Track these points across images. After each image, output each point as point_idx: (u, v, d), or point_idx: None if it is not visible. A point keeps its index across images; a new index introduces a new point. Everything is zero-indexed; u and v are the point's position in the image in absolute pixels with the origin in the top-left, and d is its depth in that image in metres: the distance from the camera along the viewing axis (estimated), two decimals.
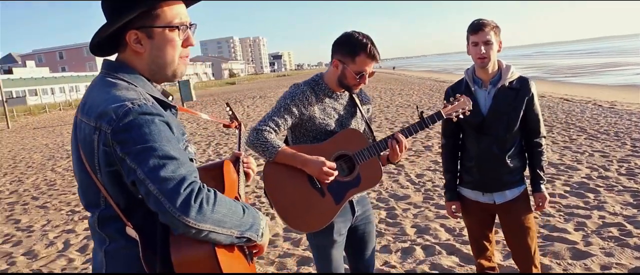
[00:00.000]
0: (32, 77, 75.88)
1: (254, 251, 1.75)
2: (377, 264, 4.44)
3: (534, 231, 3.09)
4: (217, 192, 1.49)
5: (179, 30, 1.62)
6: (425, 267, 4.31)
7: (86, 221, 6.86)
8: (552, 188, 6.35)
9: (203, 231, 1.43)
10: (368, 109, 2.95)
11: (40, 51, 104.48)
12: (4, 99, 31.80)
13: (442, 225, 5.30)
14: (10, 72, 76.28)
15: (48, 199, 8.54)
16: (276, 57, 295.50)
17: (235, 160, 2.05)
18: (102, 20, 1.61)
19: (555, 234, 4.78)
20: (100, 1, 1.62)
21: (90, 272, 4.98)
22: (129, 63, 1.61)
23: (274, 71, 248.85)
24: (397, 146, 2.67)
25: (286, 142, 2.86)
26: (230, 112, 2.40)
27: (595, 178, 6.69)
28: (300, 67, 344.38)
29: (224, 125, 2.33)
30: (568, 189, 6.30)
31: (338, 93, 2.77)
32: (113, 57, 1.68)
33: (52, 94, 75.75)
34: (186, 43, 1.66)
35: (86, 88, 1.69)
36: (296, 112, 2.65)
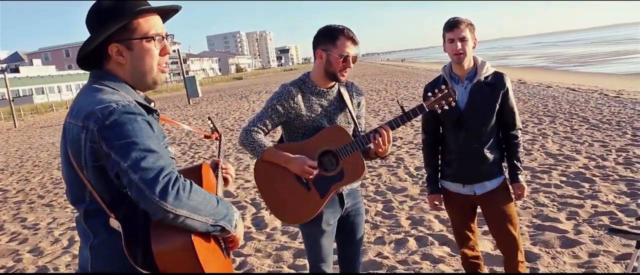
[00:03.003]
0: (39, 75, 76.39)
1: (230, 245, 1.86)
2: (371, 255, 4.55)
3: (515, 219, 3.17)
4: (193, 182, 1.61)
5: (154, 40, 1.76)
6: (416, 258, 4.40)
7: None
8: (549, 178, 6.41)
9: (180, 216, 1.55)
10: (359, 103, 3.04)
11: (46, 49, 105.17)
12: (11, 98, 32.10)
13: (436, 217, 5.39)
14: (16, 70, 76.75)
15: (54, 198, 8.70)
16: (283, 51, 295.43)
17: (215, 167, 2.17)
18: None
19: (547, 224, 4.86)
20: (87, 17, 1.75)
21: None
22: (113, 72, 1.76)
23: (281, 65, 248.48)
24: (379, 139, 2.76)
25: (281, 139, 3.01)
26: (212, 125, 2.55)
27: (592, 168, 6.74)
28: (308, 61, 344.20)
29: (205, 136, 2.47)
30: (564, 179, 6.36)
31: (325, 90, 2.88)
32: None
33: (59, 92, 76.29)
34: (163, 52, 1.81)
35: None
36: (282, 111, 2.80)
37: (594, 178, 6.24)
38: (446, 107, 2.83)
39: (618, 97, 13.97)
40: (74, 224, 6.77)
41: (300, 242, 5.12)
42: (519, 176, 3.12)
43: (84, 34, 1.76)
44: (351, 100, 2.96)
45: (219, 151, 2.35)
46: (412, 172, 7.55)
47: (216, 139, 2.45)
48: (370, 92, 23.52)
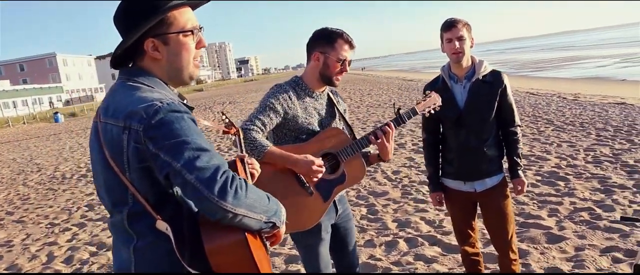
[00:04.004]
0: None
1: (271, 240, 1.83)
2: (363, 258, 4.59)
3: (512, 216, 3.28)
4: (247, 180, 1.60)
5: (192, 34, 1.74)
6: (409, 259, 4.46)
7: (68, 233, 6.84)
8: (524, 178, 6.58)
9: (238, 215, 1.53)
10: (344, 109, 3.04)
11: None
12: None
13: (422, 219, 5.48)
14: None
15: (24, 213, 8.43)
16: (243, 62, 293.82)
17: (241, 162, 2.15)
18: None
19: (530, 221, 5.00)
20: (116, 14, 1.71)
21: None
22: (147, 69, 1.71)
23: (241, 76, 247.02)
24: (382, 138, 2.77)
25: None
26: (227, 120, 2.45)
27: (564, 167, 6.98)
28: (268, 72, 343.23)
29: (224, 132, 2.41)
30: (539, 178, 6.57)
31: (317, 93, 2.85)
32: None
33: (15, 107, 73.66)
34: (199, 45, 1.78)
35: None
36: (281, 110, 2.69)
37: (567, 176, 6.47)
38: (432, 112, 2.94)
39: (576, 100, 14.50)
40: (51, 239, 6.62)
41: (290, 248, 5.12)
42: (519, 172, 3.23)
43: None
44: (339, 106, 2.97)
45: (240, 146, 2.28)
46: (390, 176, 7.65)
47: (234, 134, 2.38)
48: None
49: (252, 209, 1.57)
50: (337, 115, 2.94)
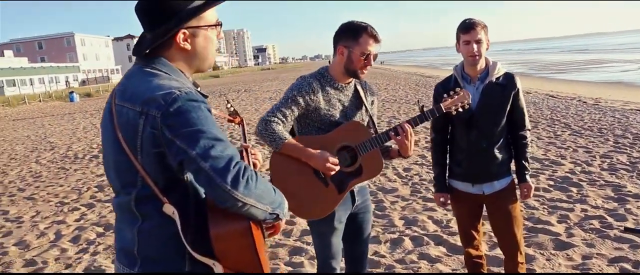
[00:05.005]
0: (10, 67, 74.47)
1: (270, 230, 1.89)
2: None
3: (520, 220, 3.23)
4: (257, 172, 1.64)
5: (217, 27, 1.82)
6: (413, 257, 4.43)
7: (76, 212, 6.90)
8: (537, 182, 6.51)
9: (247, 205, 1.58)
10: (372, 102, 3.05)
11: (18, 41, 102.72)
12: None
13: (429, 217, 5.43)
14: None
15: (35, 191, 8.52)
16: (260, 50, 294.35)
17: (245, 151, 2.15)
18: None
19: (539, 226, 4.93)
20: (142, 6, 1.75)
21: (86, 262, 5.03)
22: (167, 57, 1.75)
23: (258, 64, 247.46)
24: (402, 136, 2.77)
25: (292, 131, 2.97)
26: (232, 109, 2.48)
27: (578, 173, 6.87)
28: (285, 61, 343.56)
29: (229, 120, 2.43)
30: (552, 183, 6.47)
31: (343, 85, 2.87)
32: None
33: (31, 84, 74.56)
34: (219, 37, 1.87)
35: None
36: (302, 103, 2.76)
37: (581, 183, 6.36)
38: (461, 109, 2.87)
39: (597, 104, 14.27)
40: (59, 218, 6.67)
41: (294, 240, 5.11)
42: (527, 176, 3.18)
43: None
44: (366, 98, 2.97)
45: (244, 135, 2.33)
46: (401, 173, 7.59)
47: (238, 123, 2.41)
48: None
49: (260, 199, 1.62)
50: (363, 107, 2.94)
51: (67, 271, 4.86)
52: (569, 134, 9.71)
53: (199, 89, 1.79)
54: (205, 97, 1.77)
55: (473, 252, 3.34)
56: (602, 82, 25.69)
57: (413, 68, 59.78)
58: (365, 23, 2.75)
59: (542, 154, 8.12)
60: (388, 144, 2.95)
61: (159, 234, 1.66)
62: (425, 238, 4.84)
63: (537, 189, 6.18)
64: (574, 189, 6.11)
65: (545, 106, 14.28)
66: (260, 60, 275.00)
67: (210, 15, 1.79)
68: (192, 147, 1.54)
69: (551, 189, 6.21)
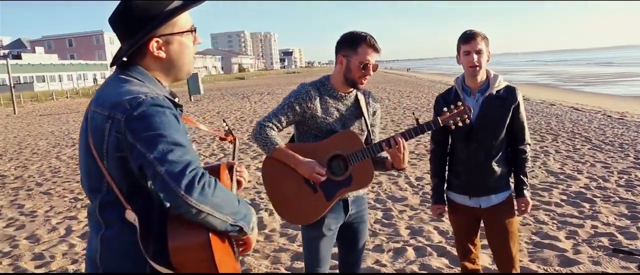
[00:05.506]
0: (41, 63, 76.18)
1: (242, 247, 1.86)
2: (369, 262, 4.53)
3: (516, 236, 3.18)
4: (217, 180, 1.61)
5: (191, 33, 1.81)
6: (414, 268, 4.39)
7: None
8: (549, 196, 6.41)
9: (202, 212, 1.55)
10: (374, 112, 3.03)
11: (49, 38, 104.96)
12: (12, 84, 32.00)
13: (435, 228, 5.38)
14: (18, 57, 76.34)
15: (52, 186, 8.68)
16: (287, 54, 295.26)
17: (229, 169, 2.16)
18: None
19: (546, 241, 4.85)
20: (114, 17, 1.75)
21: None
22: (143, 66, 1.76)
23: (284, 67, 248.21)
24: (395, 148, 2.73)
25: (293, 137, 3.01)
26: (227, 127, 2.51)
27: (593, 188, 6.74)
28: (311, 65, 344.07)
29: (221, 138, 2.45)
30: (565, 197, 6.36)
31: (343, 94, 2.87)
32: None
33: (60, 81, 76.10)
34: (195, 42, 1.85)
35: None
36: (299, 110, 2.79)
37: (594, 198, 6.24)
38: (460, 124, 2.81)
39: (622, 119, 13.97)
40: (72, 214, 6.78)
41: (298, 245, 5.10)
42: (525, 191, 3.13)
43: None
44: (367, 108, 2.96)
45: (234, 153, 2.33)
46: (412, 182, 7.54)
47: (231, 142, 2.43)
48: None
49: (218, 208, 1.59)
50: (362, 117, 2.93)
51: (73, 267, 4.93)
52: (588, 148, 9.52)
53: (176, 99, 1.79)
54: (179, 106, 1.77)
55: (469, 265, 3.30)
56: (630, 96, 25.17)
57: (438, 76, 59.35)
58: (365, 33, 2.75)
59: (559, 168, 7.99)
60: (383, 155, 2.93)
61: (120, 243, 1.65)
62: (429, 249, 4.80)
63: (548, 203, 6.08)
64: (587, 205, 5.99)
65: (567, 119, 14.05)
66: (286, 63, 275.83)
67: (184, 20, 1.78)
68: (150, 150, 1.53)
69: (563, 203, 6.09)
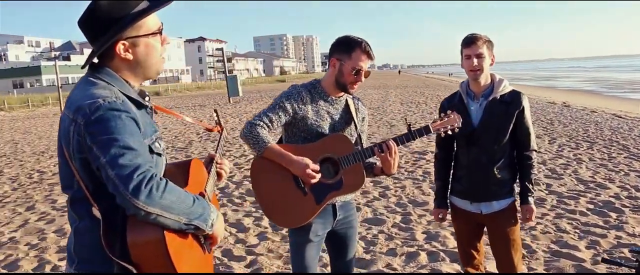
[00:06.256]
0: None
1: (209, 241, 1.92)
2: (380, 265, 4.52)
3: (518, 243, 3.13)
4: (169, 182, 1.66)
5: (158, 34, 1.85)
6: (425, 272, 4.35)
7: None
8: (575, 205, 6.24)
9: (151, 214, 1.61)
10: (363, 118, 3.01)
11: None
12: (59, 84, 33.12)
13: (452, 234, 5.30)
14: (68, 59, 78.84)
15: None
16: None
17: (210, 161, 2.19)
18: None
19: (564, 250, 4.73)
20: (82, 20, 1.80)
21: None
22: (112, 67, 1.82)
23: (326, 71, 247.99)
24: (386, 153, 2.72)
25: (280, 139, 2.97)
26: (216, 118, 2.53)
27: (623, 198, 6.53)
28: None
29: (207, 129, 2.47)
30: (592, 206, 6.18)
31: (334, 98, 2.86)
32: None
33: None
34: (164, 42, 1.89)
35: None
36: (290, 110, 2.74)
37: (623, 208, 6.04)
38: (449, 132, 2.80)
39: None
40: None
41: None
42: (529, 198, 3.07)
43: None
44: (357, 114, 2.94)
45: (218, 145, 2.35)
46: None
47: (218, 132, 2.45)
48: (409, 104, 23.37)
49: (168, 209, 1.63)
50: (353, 122, 2.92)
51: None
52: (625, 157, 9.22)
53: (147, 99, 1.85)
54: (147, 107, 1.83)
55: (472, 271, 3.26)
56: None
57: None
58: (360, 39, 2.74)
59: (590, 176, 7.76)
60: (372, 160, 2.90)
61: (91, 236, 1.72)
62: (442, 254, 4.75)
63: (572, 212, 5.93)
64: (614, 215, 5.80)
65: (607, 126, 13.63)
66: (327, 66, 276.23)
67: (151, 22, 1.81)
68: (104, 154, 1.60)
69: (589, 213, 5.92)
